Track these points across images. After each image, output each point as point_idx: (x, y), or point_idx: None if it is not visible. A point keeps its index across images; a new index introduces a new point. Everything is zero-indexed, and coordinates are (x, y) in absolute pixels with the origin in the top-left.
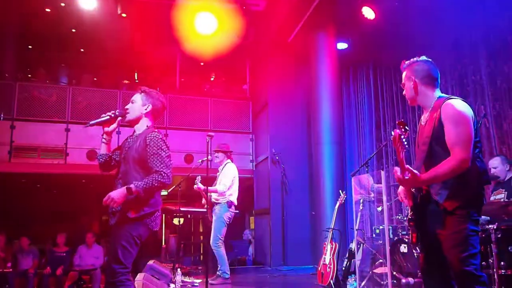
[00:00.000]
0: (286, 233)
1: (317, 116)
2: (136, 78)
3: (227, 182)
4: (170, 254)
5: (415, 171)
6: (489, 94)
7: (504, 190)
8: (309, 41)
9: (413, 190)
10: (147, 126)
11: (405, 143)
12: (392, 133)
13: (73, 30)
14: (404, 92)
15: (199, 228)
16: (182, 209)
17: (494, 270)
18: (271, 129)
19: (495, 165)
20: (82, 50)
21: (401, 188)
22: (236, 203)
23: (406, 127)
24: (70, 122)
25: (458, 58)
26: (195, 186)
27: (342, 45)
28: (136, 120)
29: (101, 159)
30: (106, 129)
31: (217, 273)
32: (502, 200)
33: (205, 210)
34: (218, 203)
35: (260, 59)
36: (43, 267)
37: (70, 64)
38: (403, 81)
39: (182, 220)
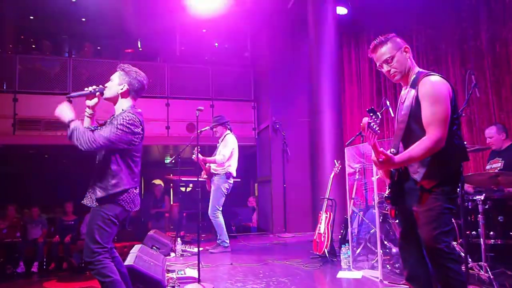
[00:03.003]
0: (287, 200)
1: (316, 84)
2: (139, 47)
3: (226, 153)
4: (173, 223)
5: (389, 153)
6: (489, 60)
7: (501, 159)
8: (308, 7)
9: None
10: (122, 110)
11: (377, 129)
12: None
13: (73, 0)
14: (388, 69)
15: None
16: (183, 178)
17: (481, 239)
18: (272, 97)
19: (491, 134)
20: (83, 19)
21: None
22: (235, 174)
23: (377, 114)
24: None
25: (458, 22)
26: (193, 156)
27: (342, 10)
28: (114, 99)
29: None
30: (87, 103)
31: (217, 242)
32: (498, 169)
33: (204, 179)
34: (217, 173)
35: (261, 26)
36: (52, 236)
37: (72, 34)
38: (387, 56)
39: (185, 188)
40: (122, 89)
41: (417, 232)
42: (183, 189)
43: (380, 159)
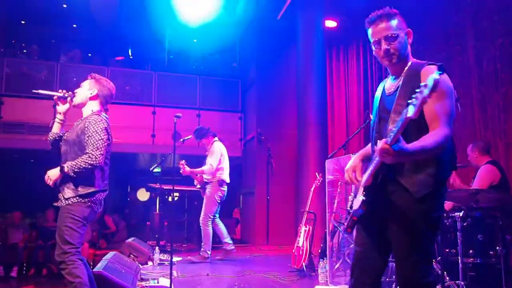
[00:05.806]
0: (270, 213)
1: (303, 96)
2: (130, 54)
3: (214, 161)
4: (154, 231)
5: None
6: (475, 77)
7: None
8: (297, 18)
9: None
10: (92, 111)
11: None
12: None
13: (64, 6)
14: (387, 48)
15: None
16: (165, 187)
17: (459, 258)
18: (258, 108)
19: (468, 152)
20: (74, 25)
21: (350, 164)
22: (228, 180)
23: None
24: None
25: (445, 39)
26: (181, 171)
27: (331, 23)
28: (82, 104)
29: (51, 137)
30: (59, 109)
31: (201, 249)
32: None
33: (198, 188)
34: (210, 182)
35: (250, 36)
36: (33, 241)
37: (62, 39)
38: (390, 32)
39: (168, 198)
40: (92, 93)
41: (381, 248)
42: (169, 198)
43: (396, 148)
